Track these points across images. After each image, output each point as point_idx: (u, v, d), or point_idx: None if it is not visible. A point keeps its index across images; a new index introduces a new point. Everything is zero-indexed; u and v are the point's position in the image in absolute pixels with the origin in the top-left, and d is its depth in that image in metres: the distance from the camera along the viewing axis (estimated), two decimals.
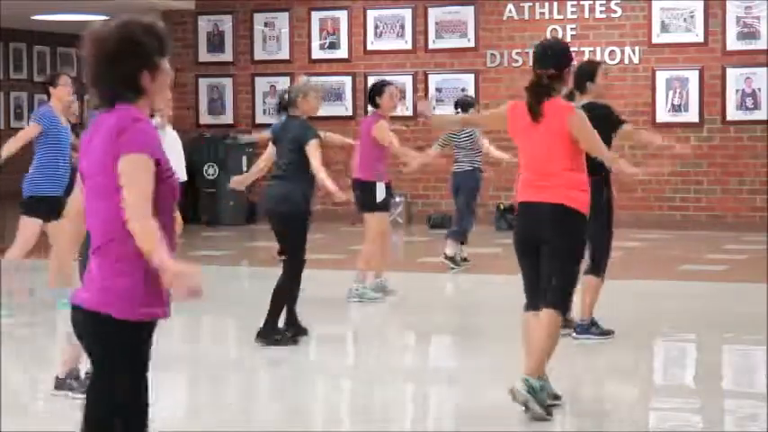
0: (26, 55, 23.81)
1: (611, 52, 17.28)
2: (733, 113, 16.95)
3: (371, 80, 17.75)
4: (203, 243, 15.99)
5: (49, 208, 9.94)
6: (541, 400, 6.62)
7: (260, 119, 19.20)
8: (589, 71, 8.77)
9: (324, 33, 18.90)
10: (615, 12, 17.42)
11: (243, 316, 10.43)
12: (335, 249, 14.66)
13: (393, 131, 11.11)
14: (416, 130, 18.20)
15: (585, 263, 8.51)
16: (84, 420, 4.06)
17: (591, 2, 17.52)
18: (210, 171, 18.48)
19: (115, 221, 3.88)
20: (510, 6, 17.85)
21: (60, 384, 7.23)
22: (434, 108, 18.08)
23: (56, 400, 7.21)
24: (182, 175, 11.21)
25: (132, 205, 3.82)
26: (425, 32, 18.33)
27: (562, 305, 6.74)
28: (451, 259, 13.03)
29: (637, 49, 17.31)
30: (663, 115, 17.20)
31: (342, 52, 18.80)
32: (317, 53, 18.93)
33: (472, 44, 18.08)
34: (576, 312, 8.96)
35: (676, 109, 17.15)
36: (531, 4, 17.76)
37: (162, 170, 3.93)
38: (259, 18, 19.32)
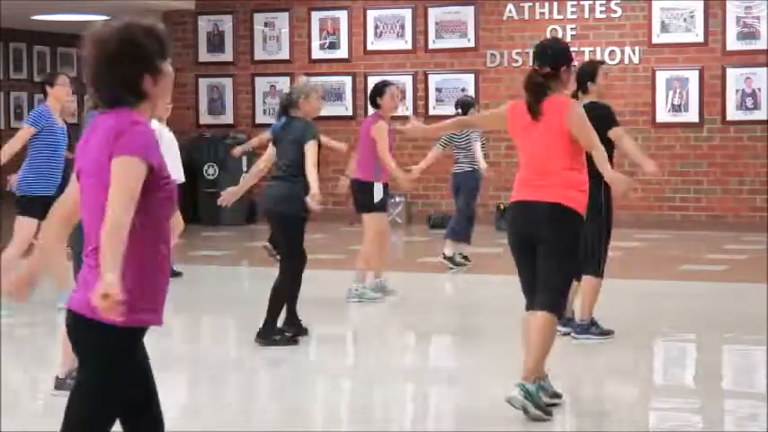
0: (26, 55, 23.80)
1: (611, 52, 17.29)
2: (733, 113, 16.95)
3: (371, 80, 17.77)
4: (203, 243, 15.99)
5: (44, 207, 9.92)
6: (539, 402, 6.62)
7: (260, 119, 19.20)
8: (590, 71, 8.81)
9: (324, 33, 18.90)
10: (615, 12, 17.43)
11: (243, 316, 10.43)
12: (335, 249, 14.67)
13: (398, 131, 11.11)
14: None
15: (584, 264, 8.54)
16: (64, 421, 4.06)
17: (591, 2, 17.52)
18: (210, 171, 18.48)
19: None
20: (510, 6, 17.85)
21: (60, 384, 7.23)
22: (434, 108, 18.12)
23: (56, 400, 7.21)
24: (179, 176, 11.21)
25: (113, 201, 3.77)
26: (425, 32, 18.33)
27: (557, 307, 6.73)
28: (450, 259, 13.03)
29: (637, 49, 17.31)
30: (663, 115, 17.20)
31: (342, 52, 18.80)
32: (316, 53, 18.93)
33: (472, 44, 18.08)
34: (577, 312, 8.97)
35: (676, 109, 17.15)
36: (531, 4, 17.76)
37: (158, 177, 3.90)
38: (259, 18, 19.32)
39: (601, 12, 17.49)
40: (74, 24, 20.96)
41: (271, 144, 9.40)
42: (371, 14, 18.61)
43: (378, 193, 10.84)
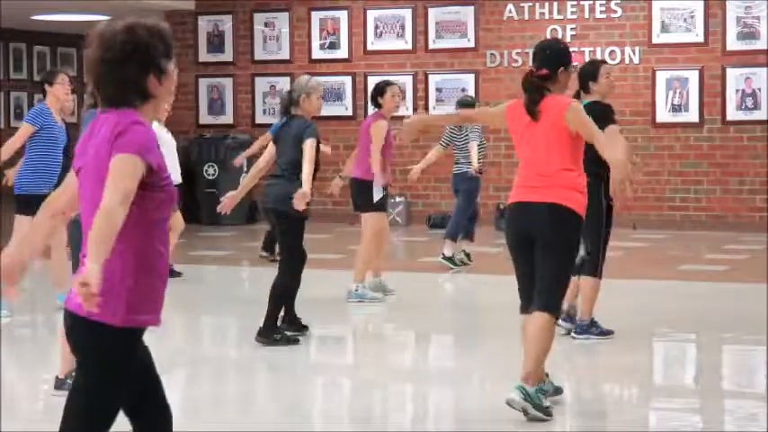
0: (26, 55, 23.79)
1: (611, 52, 17.28)
2: (733, 113, 16.94)
3: (371, 80, 17.78)
4: (203, 243, 15.99)
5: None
6: (538, 403, 6.62)
7: (260, 119, 19.19)
8: (591, 71, 8.83)
9: (324, 33, 18.90)
10: (615, 12, 17.42)
11: (243, 316, 10.44)
12: (335, 249, 14.67)
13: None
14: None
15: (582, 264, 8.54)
16: (62, 421, 4.05)
17: (591, 2, 17.52)
18: (210, 171, 18.48)
19: None
20: (510, 6, 17.84)
21: (60, 384, 7.23)
22: (434, 108, 18.12)
23: (56, 400, 7.21)
24: (176, 177, 11.20)
25: (108, 195, 3.74)
26: (425, 32, 18.32)
27: (555, 308, 6.73)
28: (449, 260, 13.03)
29: (637, 49, 17.31)
30: (663, 115, 17.20)
31: (342, 52, 18.80)
32: (317, 53, 18.93)
33: (472, 44, 18.08)
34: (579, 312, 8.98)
35: (676, 109, 17.14)
36: (531, 4, 17.75)
37: (157, 177, 3.90)
38: (259, 18, 19.32)
39: (601, 12, 17.49)
40: (74, 24, 20.96)
41: (271, 143, 9.40)
42: (371, 14, 18.61)
43: (377, 193, 10.84)
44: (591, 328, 8.97)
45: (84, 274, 3.61)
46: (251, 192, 9.66)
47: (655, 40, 17.23)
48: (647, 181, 17.19)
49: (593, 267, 8.72)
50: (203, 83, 19.66)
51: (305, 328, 9.29)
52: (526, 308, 6.77)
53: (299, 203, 8.66)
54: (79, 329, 3.96)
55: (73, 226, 6.97)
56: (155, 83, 3.95)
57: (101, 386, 3.95)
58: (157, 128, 10.38)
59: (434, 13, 18.27)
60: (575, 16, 17.57)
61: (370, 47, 18.63)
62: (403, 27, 18.43)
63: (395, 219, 17.48)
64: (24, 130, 10.06)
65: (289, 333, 9.06)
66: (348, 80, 18.66)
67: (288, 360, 8.63)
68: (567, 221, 6.63)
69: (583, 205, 6.69)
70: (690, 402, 7.65)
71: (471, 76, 18.01)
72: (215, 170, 18.45)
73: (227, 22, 19.51)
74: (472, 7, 18.06)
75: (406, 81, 17.94)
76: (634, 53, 17.31)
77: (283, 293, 9.01)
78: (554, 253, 6.62)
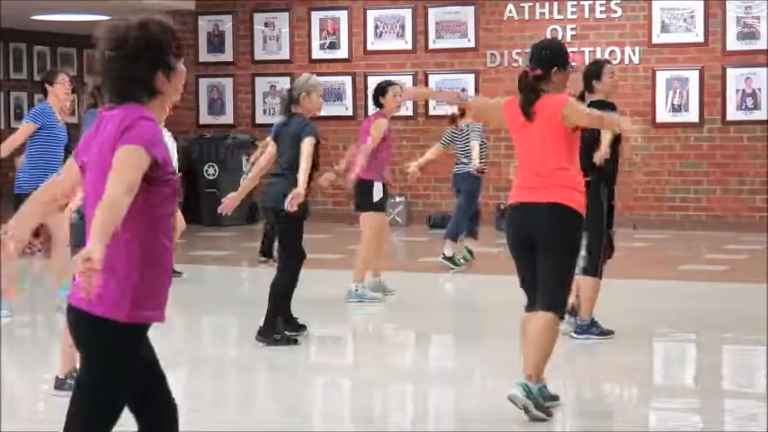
0: (26, 55, 23.79)
1: (611, 52, 17.28)
2: (733, 113, 16.94)
3: (371, 80, 17.79)
4: (203, 243, 15.99)
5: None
6: (540, 402, 6.62)
7: (260, 119, 19.20)
8: (595, 70, 8.89)
9: (324, 33, 18.90)
10: (615, 12, 17.42)
11: (243, 316, 10.44)
12: (335, 249, 14.67)
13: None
14: (417, 129, 18.22)
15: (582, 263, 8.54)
16: (67, 417, 4.05)
17: (591, 2, 17.52)
18: (210, 171, 18.47)
19: None
20: (510, 6, 17.84)
21: (60, 384, 7.23)
22: (434, 108, 18.13)
23: (56, 400, 7.21)
24: None
25: (112, 183, 3.73)
26: (425, 32, 18.32)
27: (559, 307, 6.73)
28: (450, 259, 13.02)
29: (637, 49, 17.31)
30: (663, 115, 17.20)
31: (342, 52, 18.80)
32: (317, 53, 18.93)
33: (472, 44, 18.08)
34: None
35: (676, 109, 17.14)
36: (531, 4, 17.75)
37: (162, 171, 3.91)
38: (259, 18, 19.32)
39: (601, 12, 17.48)
40: (74, 24, 20.96)
41: (272, 142, 9.39)
42: (371, 14, 18.61)
43: (377, 193, 10.84)
44: (591, 328, 8.97)
45: (88, 249, 3.57)
46: (251, 192, 9.64)
47: (655, 40, 17.23)
48: (647, 181, 17.20)
49: (594, 267, 8.72)
50: (203, 83, 19.66)
51: (302, 327, 9.28)
52: (531, 305, 6.78)
53: (291, 204, 8.65)
54: (83, 325, 3.96)
55: (77, 226, 6.98)
56: (163, 80, 3.96)
57: (104, 382, 3.95)
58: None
59: (434, 13, 18.27)
60: (575, 16, 17.57)
61: (370, 47, 18.63)
62: (403, 27, 18.43)
63: (395, 219, 17.48)
64: (26, 128, 10.06)
65: (288, 333, 9.05)
66: (348, 80, 18.66)
67: (288, 360, 8.63)
68: (567, 221, 6.63)
69: (582, 203, 6.70)
70: (690, 402, 7.65)
71: (471, 76, 18.01)
72: (215, 170, 18.45)
73: (227, 22, 19.52)
74: (472, 7, 18.06)
75: (406, 81, 17.92)
76: (634, 53, 17.31)
77: (283, 293, 9.00)
78: (556, 253, 6.63)
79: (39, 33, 23.12)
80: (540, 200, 6.64)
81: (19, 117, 23.42)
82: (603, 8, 17.46)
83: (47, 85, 10.18)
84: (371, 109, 11.24)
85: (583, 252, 8.14)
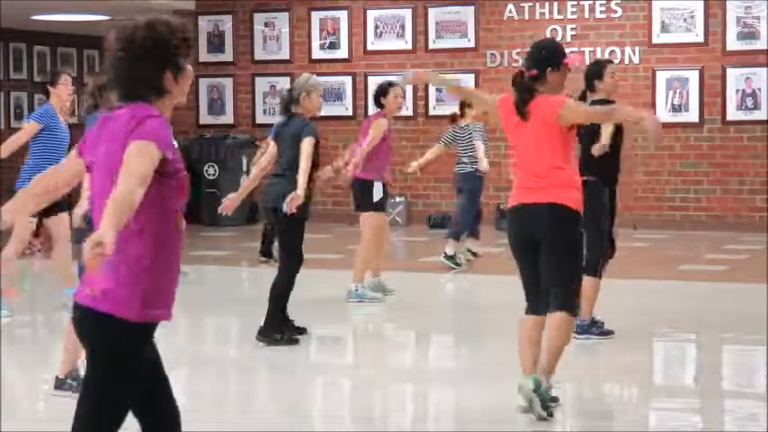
0: (26, 55, 23.78)
1: (612, 52, 17.28)
2: (733, 113, 16.95)
3: (372, 80, 17.81)
4: (203, 243, 15.99)
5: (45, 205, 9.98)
6: (545, 400, 6.63)
7: (260, 119, 19.20)
8: (596, 70, 8.92)
9: (324, 33, 18.90)
10: (615, 12, 17.43)
11: (243, 316, 10.44)
12: (335, 249, 14.67)
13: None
14: (417, 129, 18.22)
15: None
16: (75, 417, 4.05)
17: (591, 2, 17.52)
18: (210, 171, 18.48)
19: None
20: (510, 6, 17.85)
21: (60, 384, 7.24)
22: (434, 108, 18.13)
23: (56, 400, 7.22)
24: None
25: (123, 177, 3.71)
26: (425, 32, 18.33)
27: (572, 305, 6.74)
28: (451, 258, 13.02)
29: (637, 49, 17.32)
30: (663, 115, 17.16)
31: (342, 52, 18.80)
32: (317, 53, 18.93)
33: (472, 44, 18.08)
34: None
35: (676, 109, 17.14)
36: (531, 4, 17.75)
37: (172, 167, 3.90)
38: (259, 18, 19.32)
39: (601, 12, 17.49)
40: (74, 24, 20.96)
41: (273, 142, 9.39)
42: (371, 14, 18.61)
43: (377, 193, 10.84)
44: (591, 328, 8.97)
45: (100, 232, 3.54)
46: (252, 192, 9.64)
47: (655, 40, 17.23)
48: (647, 181, 17.20)
49: (593, 268, 8.73)
50: (203, 83, 19.66)
51: (303, 329, 9.25)
52: (531, 309, 6.78)
53: (290, 206, 8.65)
54: (91, 323, 3.95)
55: (84, 230, 6.99)
56: (171, 80, 3.97)
57: (110, 381, 3.94)
58: None
59: (434, 13, 18.27)
60: (575, 16, 17.57)
61: (370, 47, 18.63)
62: (403, 27, 18.43)
63: (395, 219, 17.48)
64: (31, 127, 10.03)
65: (288, 334, 9.05)
66: (348, 80, 18.67)
67: (288, 360, 8.64)
68: (567, 220, 6.64)
69: (579, 201, 6.70)
70: (690, 402, 7.65)
71: (471, 76, 18.00)
72: (215, 170, 18.45)
73: (227, 22, 19.52)
74: (472, 7, 18.06)
75: None
76: (634, 53, 17.31)
77: (284, 292, 9.00)
78: (559, 252, 6.64)
79: (39, 33, 23.12)
80: (538, 200, 6.65)
81: (19, 117, 23.42)
82: (603, 8, 17.47)
83: (49, 87, 10.16)
84: (371, 109, 11.24)
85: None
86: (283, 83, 18.17)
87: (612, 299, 9.63)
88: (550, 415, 6.66)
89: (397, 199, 17.71)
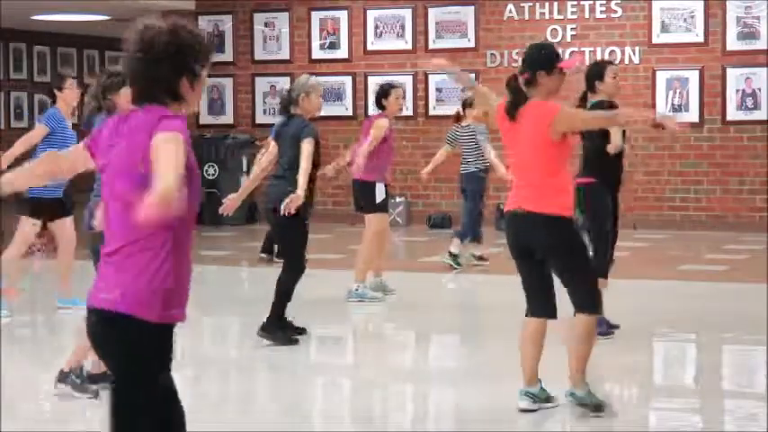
0: (26, 55, 23.81)
1: (611, 52, 17.28)
2: (733, 113, 16.94)
3: (372, 80, 17.82)
4: (203, 243, 15.99)
5: (49, 210, 10.02)
6: (594, 402, 6.79)
7: (260, 119, 19.20)
8: (597, 71, 8.94)
9: (324, 33, 18.90)
10: (615, 12, 17.42)
11: (243, 316, 10.44)
12: (335, 249, 14.67)
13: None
14: (417, 129, 18.22)
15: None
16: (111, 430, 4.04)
17: (591, 2, 17.52)
18: (210, 171, 18.48)
19: None
20: (510, 6, 17.85)
21: (64, 378, 7.23)
22: (434, 108, 18.14)
23: (56, 399, 7.22)
24: None
25: (163, 170, 3.66)
26: (425, 32, 18.33)
27: (591, 306, 6.74)
28: (454, 257, 13.00)
29: (637, 49, 17.31)
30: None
31: (342, 52, 18.80)
32: (317, 53, 18.93)
33: (472, 44, 18.08)
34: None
35: (676, 109, 17.13)
36: (531, 4, 17.75)
37: (190, 168, 3.89)
38: (259, 18, 19.32)
39: (601, 12, 17.49)
40: (74, 24, 20.98)
41: (273, 142, 9.39)
42: (371, 14, 18.61)
43: (380, 194, 10.84)
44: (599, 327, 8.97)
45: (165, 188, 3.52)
46: (252, 192, 9.64)
47: (655, 40, 17.23)
48: (647, 181, 17.20)
49: (601, 268, 8.76)
50: None
51: (302, 330, 9.24)
52: (532, 311, 6.79)
53: (289, 207, 8.66)
54: (109, 327, 3.92)
55: (92, 237, 7.00)
56: (187, 86, 3.97)
57: (140, 384, 3.95)
58: None
59: (434, 13, 18.27)
60: (575, 16, 17.57)
61: (370, 47, 18.63)
62: (403, 27, 18.43)
63: (395, 219, 17.47)
64: (40, 130, 10.00)
65: (289, 333, 9.05)
66: (348, 80, 18.67)
67: (288, 360, 8.64)
68: (560, 229, 6.62)
69: (565, 206, 6.66)
70: (690, 402, 7.65)
71: (471, 77, 17.97)
72: (215, 170, 18.45)
73: (227, 22, 19.52)
74: (472, 7, 18.06)
75: (406, 81, 17.93)
76: (634, 53, 17.31)
77: (288, 287, 8.99)
78: (557, 257, 6.65)
79: (39, 33, 23.13)
80: (530, 209, 6.64)
81: (19, 117, 23.44)
82: (603, 8, 17.46)
83: (56, 90, 10.14)
84: (371, 109, 11.24)
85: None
86: (283, 83, 18.18)
87: (612, 299, 9.61)
88: (606, 406, 6.83)
89: (397, 199, 17.71)
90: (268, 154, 9.47)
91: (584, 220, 8.59)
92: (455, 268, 12.96)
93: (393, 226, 15.82)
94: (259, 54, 19.33)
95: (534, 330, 6.77)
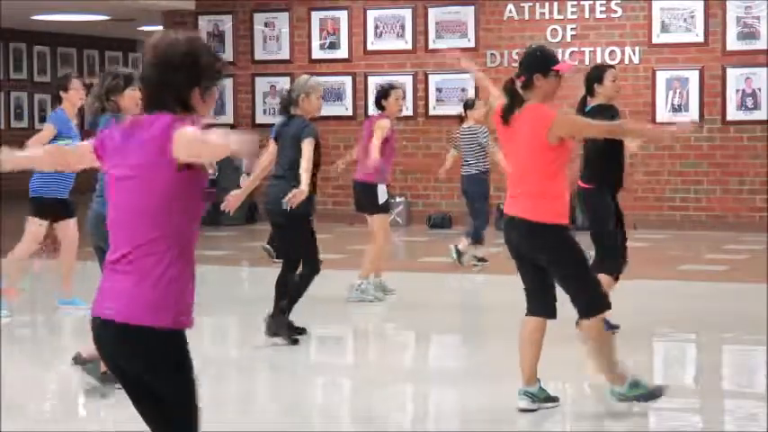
0: (26, 55, 23.81)
1: (611, 52, 17.29)
2: (733, 113, 16.95)
3: (372, 80, 17.82)
4: (203, 243, 15.93)
5: (55, 210, 10.04)
6: (640, 394, 6.87)
7: (260, 119, 19.20)
8: (597, 75, 8.93)
9: (324, 33, 18.90)
10: (615, 12, 17.43)
11: (243, 316, 10.44)
12: (335, 249, 14.66)
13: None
14: (417, 129, 18.22)
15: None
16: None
17: (591, 2, 17.52)
18: (211, 171, 18.47)
19: (152, 226, 3.87)
20: (510, 6, 17.85)
21: (82, 361, 7.22)
22: (434, 108, 18.13)
23: (56, 400, 7.22)
24: None
25: (192, 135, 3.72)
26: (425, 32, 18.33)
27: (595, 307, 6.73)
28: (459, 256, 13.02)
29: (637, 49, 17.32)
30: (663, 115, 17.19)
31: (342, 52, 18.80)
32: (317, 53, 18.93)
33: (472, 44, 18.07)
34: None
35: (676, 109, 17.14)
36: (531, 4, 17.76)
37: (198, 173, 3.89)
38: (259, 18, 19.32)
39: (601, 12, 17.49)
40: (74, 24, 20.98)
41: (273, 142, 9.39)
42: (371, 14, 18.62)
43: (382, 195, 10.84)
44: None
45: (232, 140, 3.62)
46: (252, 192, 9.64)
47: (655, 40, 17.23)
48: (647, 181, 17.20)
49: (613, 267, 8.81)
50: None
51: (303, 330, 9.25)
52: (532, 311, 6.80)
53: (292, 201, 8.66)
54: (127, 338, 3.92)
55: (96, 233, 6.99)
56: (198, 99, 3.97)
57: (177, 390, 4.01)
58: None
59: (434, 13, 18.27)
60: (575, 16, 17.57)
61: (370, 47, 18.63)
62: (403, 27, 18.43)
63: (395, 219, 17.47)
64: (48, 132, 9.99)
65: (290, 333, 9.05)
66: (348, 80, 18.67)
67: (288, 360, 8.64)
68: (555, 236, 6.61)
69: (557, 212, 6.63)
70: (690, 402, 7.65)
71: (471, 77, 17.98)
72: (215, 170, 18.43)
73: (227, 22, 19.52)
74: (472, 7, 18.06)
75: (406, 81, 17.94)
76: (634, 53, 17.31)
77: (300, 290, 9.00)
78: (557, 266, 6.66)
79: (39, 33, 23.14)
80: (518, 214, 6.65)
81: (19, 117, 23.45)
82: (603, 8, 17.47)
83: (61, 92, 10.13)
84: (371, 109, 11.24)
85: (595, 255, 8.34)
86: (283, 83, 18.19)
87: (613, 299, 9.58)
88: (662, 392, 6.94)
89: (398, 199, 17.71)
90: (268, 153, 9.47)
91: (583, 220, 8.62)
92: (458, 264, 13.00)
93: (393, 226, 15.82)
94: (259, 54, 19.33)
95: (533, 329, 6.77)
